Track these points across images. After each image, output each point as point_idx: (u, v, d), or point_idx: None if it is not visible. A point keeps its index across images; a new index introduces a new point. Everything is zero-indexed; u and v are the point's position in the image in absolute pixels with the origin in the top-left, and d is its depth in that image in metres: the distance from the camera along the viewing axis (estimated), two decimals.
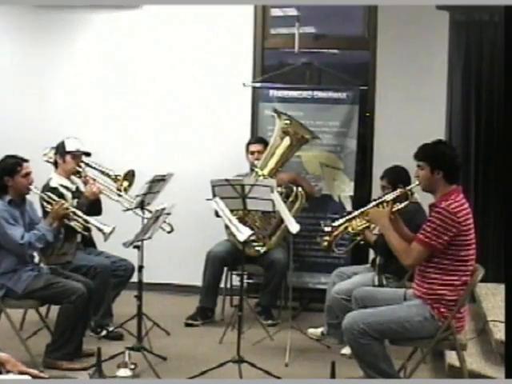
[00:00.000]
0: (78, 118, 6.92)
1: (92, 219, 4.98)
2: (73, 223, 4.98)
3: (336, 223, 4.49)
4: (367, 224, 4.50)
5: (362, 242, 4.98)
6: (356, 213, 4.48)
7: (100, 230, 4.87)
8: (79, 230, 5.05)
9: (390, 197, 4.31)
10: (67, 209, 4.91)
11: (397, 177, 5.13)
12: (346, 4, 6.37)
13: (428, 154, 4.06)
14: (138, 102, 6.89)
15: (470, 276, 4.01)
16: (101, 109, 6.95)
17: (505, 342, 3.58)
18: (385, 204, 4.28)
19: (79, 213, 4.97)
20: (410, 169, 4.31)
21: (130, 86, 6.90)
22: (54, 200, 4.96)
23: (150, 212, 4.98)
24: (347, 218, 4.49)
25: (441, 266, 3.96)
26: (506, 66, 3.74)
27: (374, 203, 4.36)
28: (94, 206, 5.42)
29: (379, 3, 6.37)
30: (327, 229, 4.50)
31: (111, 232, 4.82)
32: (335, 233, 4.49)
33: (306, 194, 5.77)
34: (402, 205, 4.29)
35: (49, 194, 5.03)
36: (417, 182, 4.15)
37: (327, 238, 4.51)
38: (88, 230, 5.11)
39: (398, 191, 4.33)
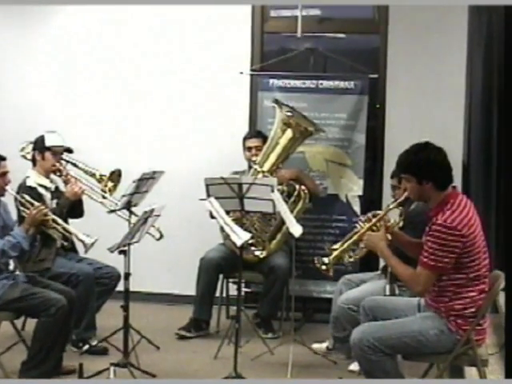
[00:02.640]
0: (59, 110, 6.90)
1: (73, 228, 4.95)
2: (51, 231, 4.94)
3: (327, 260, 4.49)
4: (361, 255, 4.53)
5: None
6: (345, 242, 4.51)
7: (81, 241, 4.85)
8: (57, 238, 5.01)
9: (379, 216, 4.35)
10: (46, 215, 4.86)
11: None
12: (349, 4, 6.39)
13: (411, 164, 3.99)
14: (125, 94, 6.88)
15: (489, 283, 3.99)
16: (84, 101, 6.93)
17: (505, 342, 3.58)
18: (378, 225, 4.28)
19: (59, 220, 4.93)
20: None
21: (116, 77, 6.89)
22: (32, 203, 4.91)
23: (136, 216, 4.95)
24: (340, 249, 4.51)
25: (454, 281, 3.94)
26: (506, 66, 3.73)
27: (366, 227, 4.37)
28: (75, 208, 5.42)
29: (381, 3, 6.37)
30: (323, 267, 4.50)
31: (93, 244, 4.80)
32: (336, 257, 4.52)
33: (310, 194, 5.76)
34: (398, 221, 4.31)
35: (26, 196, 4.98)
36: (405, 195, 4.16)
37: (327, 259, 4.52)
38: (67, 239, 5.08)
39: (388, 209, 4.41)
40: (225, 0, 6.56)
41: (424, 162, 3.95)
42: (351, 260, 4.56)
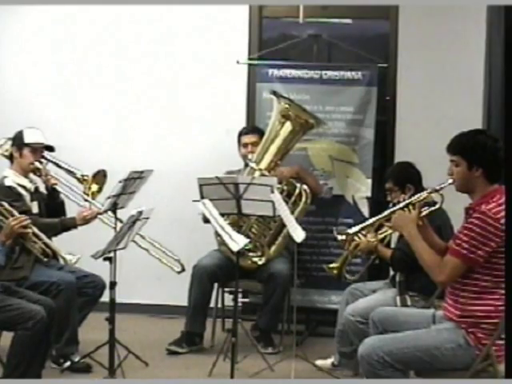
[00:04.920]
0: (40, 104, 6.89)
1: (54, 244, 4.94)
2: (29, 244, 4.91)
3: (352, 230, 4.47)
4: (384, 234, 4.48)
5: (376, 261, 4.99)
6: (376, 218, 4.46)
7: (63, 259, 4.84)
8: (37, 254, 4.98)
9: (417, 199, 4.29)
10: (26, 227, 4.82)
11: (404, 176, 5.16)
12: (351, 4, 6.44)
13: (465, 146, 4.01)
14: (110, 86, 6.88)
15: None
16: (69, 96, 6.94)
17: (505, 342, 3.60)
18: (411, 207, 4.25)
19: (41, 235, 4.90)
20: (440, 165, 4.29)
21: (100, 68, 6.89)
22: (12, 214, 4.86)
23: (121, 222, 4.94)
24: (365, 224, 4.47)
25: (479, 282, 3.92)
26: (507, 66, 3.75)
27: (398, 206, 4.34)
28: (57, 212, 5.43)
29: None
30: (341, 237, 4.49)
31: (76, 262, 4.81)
32: (343, 258, 4.49)
33: (312, 193, 5.76)
34: (433, 208, 4.27)
35: (5, 204, 4.93)
36: (450, 181, 4.12)
37: (335, 265, 4.51)
38: (47, 255, 5.06)
39: (427, 192, 4.32)
40: (222, 0, 6.56)
41: (480, 146, 3.98)
42: (373, 240, 4.51)
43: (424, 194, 4.31)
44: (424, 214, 4.25)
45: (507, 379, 3.44)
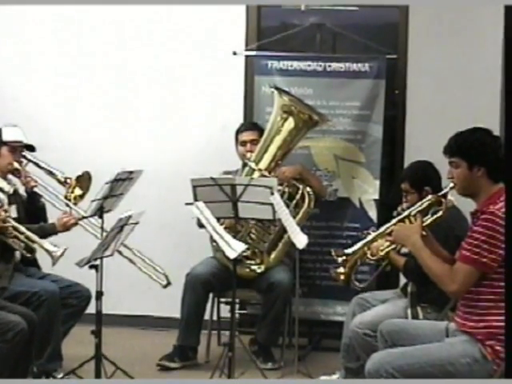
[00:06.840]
0: (25, 102, 6.91)
1: (38, 238, 4.95)
2: (10, 240, 4.92)
3: (350, 250, 4.48)
4: (392, 247, 4.48)
5: (388, 268, 4.99)
6: (375, 234, 4.48)
7: (48, 252, 4.84)
8: (20, 250, 5.00)
9: (417, 208, 4.32)
10: (5, 221, 4.85)
11: (422, 177, 5.13)
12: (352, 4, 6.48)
13: (463, 146, 4.02)
14: (99, 81, 6.89)
15: None
16: (53, 91, 6.96)
17: (505, 342, 3.62)
18: (412, 218, 4.26)
19: (21, 228, 4.91)
20: None
21: (92, 64, 6.90)
22: None
23: (105, 231, 4.94)
24: (364, 241, 4.49)
25: (495, 289, 3.91)
26: (507, 65, 3.77)
27: (396, 219, 4.36)
28: (38, 217, 5.43)
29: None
30: (341, 259, 4.48)
31: (62, 254, 4.79)
32: (351, 262, 4.48)
33: (316, 195, 5.76)
34: (436, 216, 4.28)
35: None
36: (451, 185, 4.13)
37: (342, 269, 4.50)
38: (32, 250, 5.07)
39: (427, 199, 4.34)
40: (221, 0, 6.57)
41: (478, 144, 4.00)
42: (374, 258, 4.53)
43: (423, 203, 4.33)
44: (427, 222, 4.26)
45: (507, 379, 3.46)
